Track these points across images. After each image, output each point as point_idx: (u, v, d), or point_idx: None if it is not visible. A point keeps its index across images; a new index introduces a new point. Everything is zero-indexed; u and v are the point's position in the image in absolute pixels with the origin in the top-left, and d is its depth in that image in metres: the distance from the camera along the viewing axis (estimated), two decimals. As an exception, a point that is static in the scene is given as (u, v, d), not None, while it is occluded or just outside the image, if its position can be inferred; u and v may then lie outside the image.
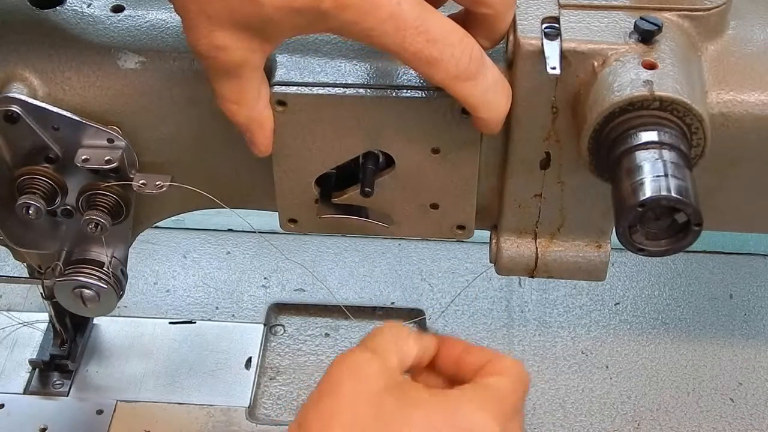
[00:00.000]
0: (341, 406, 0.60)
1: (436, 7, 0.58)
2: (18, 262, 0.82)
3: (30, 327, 0.97)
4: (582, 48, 0.60)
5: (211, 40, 0.57)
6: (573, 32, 0.60)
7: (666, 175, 0.54)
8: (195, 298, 1.02)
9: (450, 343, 0.66)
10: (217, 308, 1.01)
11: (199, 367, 0.95)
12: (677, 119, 0.57)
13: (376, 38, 0.56)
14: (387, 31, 0.55)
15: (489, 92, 0.59)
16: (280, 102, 0.63)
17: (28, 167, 0.69)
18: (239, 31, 0.57)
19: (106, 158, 0.68)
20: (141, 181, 0.69)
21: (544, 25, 0.61)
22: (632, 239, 0.57)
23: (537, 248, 0.70)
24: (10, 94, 0.66)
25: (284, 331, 0.99)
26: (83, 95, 0.68)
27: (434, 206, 0.68)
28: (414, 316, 0.99)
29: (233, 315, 1.01)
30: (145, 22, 0.69)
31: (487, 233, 0.72)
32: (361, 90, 0.63)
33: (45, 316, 0.94)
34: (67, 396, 0.92)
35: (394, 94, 0.63)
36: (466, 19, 0.60)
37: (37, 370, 0.94)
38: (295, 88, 0.63)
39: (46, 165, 0.69)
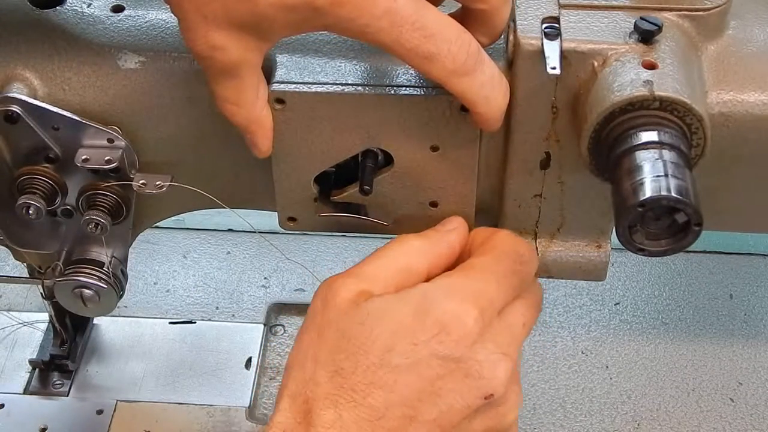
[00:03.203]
0: (311, 339, 0.61)
1: (435, 6, 0.58)
2: (18, 262, 0.82)
3: (30, 327, 0.97)
4: (582, 48, 0.60)
5: (207, 40, 0.57)
6: (573, 32, 0.60)
7: (666, 175, 0.54)
8: (195, 298, 1.02)
9: (472, 233, 0.67)
10: (217, 308, 1.01)
11: (199, 367, 0.95)
12: (677, 119, 0.57)
13: (371, 35, 0.56)
14: (383, 27, 0.55)
15: (486, 88, 0.59)
16: (278, 100, 0.63)
17: (28, 167, 0.69)
18: (235, 30, 0.57)
19: (106, 158, 0.68)
20: (141, 181, 0.69)
21: (544, 25, 0.61)
22: (632, 239, 0.57)
23: (537, 248, 0.70)
24: (10, 94, 0.66)
25: (284, 331, 0.99)
26: (83, 95, 0.68)
27: (433, 204, 0.68)
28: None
29: (233, 315, 1.01)
30: (145, 22, 0.69)
31: (487, 233, 0.72)
32: (359, 88, 0.63)
33: (45, 316, 0.94)
34: (67, 396, 0.92)
35: (393, 92, 0.63)
36: (463, 17, 0.60)
37: (37, 370, 0.94)
38: (294, 86, 0.63)
39: (46, 165, 0.69)
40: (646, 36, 0.59)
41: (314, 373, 0.59)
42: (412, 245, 0.64)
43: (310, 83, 0.63)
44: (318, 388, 0.59)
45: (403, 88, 0.63)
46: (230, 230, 1.09)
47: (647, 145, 0.56)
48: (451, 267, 0.65)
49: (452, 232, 0.66)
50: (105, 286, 0.75)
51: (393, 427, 0.58)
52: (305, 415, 0.58)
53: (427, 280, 0.63)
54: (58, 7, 0.69)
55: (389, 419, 0.58)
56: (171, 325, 0.99)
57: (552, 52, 0.59)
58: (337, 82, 0.63)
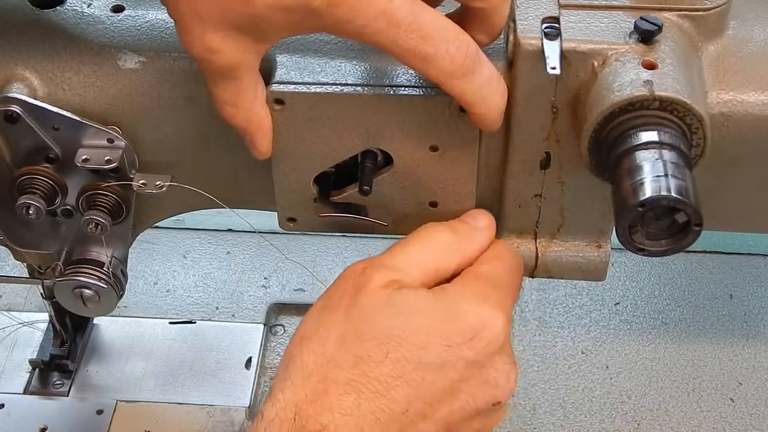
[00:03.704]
0: (336, 319, 0.61)
1: (434, 6, 0.58)
2: (18, 262, 0.82)
3: (30, 327, 0.97)
4: (582, 48, 0.60)
5: (204, 42, 0.57)
6: (573, 32, 0.60)
7: (666, 175, 0.54)
8: (195, 298, 1.02)
9: None
10: (217, 308, 1.01)
11: (199, 367, 0.95)
12: (677, 119, 0.57)
13: (369, 36, 0.56)
14: (380, 28, 0.55)
15: (484, 89, 0.59)
16: (278, 101, 0.63)
17: (28, 167, 0.69)
18: (232, 32, 0.57)
19: (106, 158, 0.68)
20: (141, 181, 0.69)
21: (544, 25, 0.61)
22: (632, 239, 0.57)
23: (537, 248, 0.70)
24: (10, 94, 0.66)
25: (284, 331, 0.99)
26: (83, 95, 0.68)
27: (433, 204, 0.68)
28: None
29: (233, 315, 1.01)
30: (145, 22, 0.69)
31: (487, 233, 0.72)
32: (359, 88, 0.63)
33: (45, 316, 0.94)
34: (67, 396, 0.93)
35: (392, 92, 0.63)
36: (462, 16, 0.60)
37: (37, 370, 0.94)
38: (293, 86, 0.63)
39: (46, 165, 0.69)
40: (646, 36, 0.59)
41: (337, 355, 0.59)
42: (444, 241, 0.64)
43: (309, 83, 0.63)
44: (340, 372, 0.59)
45: (403, 89, 0.63)
46: (230, 230, 1.09)
47: (647, 145, 0.56)
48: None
49: (483, 231, 0.66)
50: (105, 286, 0.75)
51: (407, 423, 0.59)
52: (320, 395, 0.58)
53: (455, 274, 0.64)
54: (58, 7, 0.69)
55: (407, 415, 0.59)
56: (171, 325, 0.99)
57: (552, 52, 0.59)
58: (337, 82, 0.63)
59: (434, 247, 0.64)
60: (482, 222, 0.67)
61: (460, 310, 0.61)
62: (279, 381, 0.60)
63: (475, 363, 0.60)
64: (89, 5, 0.70)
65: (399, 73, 0.64)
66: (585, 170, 0.61)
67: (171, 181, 0.69)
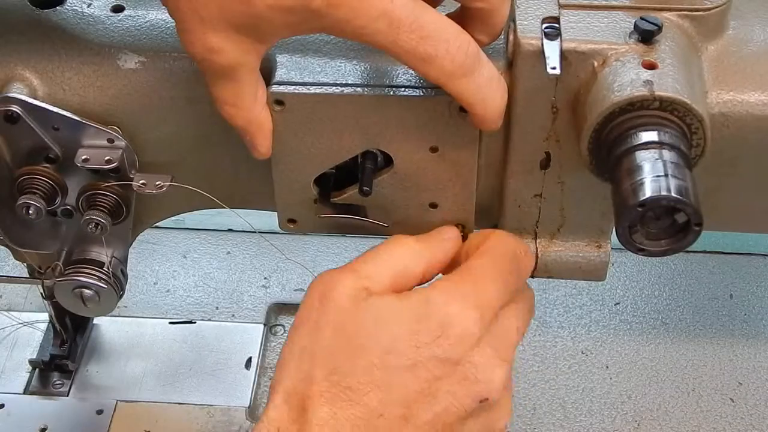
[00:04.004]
0: (306, 335, 0.61)
1: (434, 6, 0.58)
2: (18, 262, 0.82)
3: (30, 327, 0.97)
4: (582, 48, 0.60)
5: (204, 42, 0.57)
6: (573, 32, 0.60)
7: (666, 175, 0.54)
8: (195, 298, 1.02)
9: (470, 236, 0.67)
10: (217, 308, 1.01)
11: (199, 367, 0.95)
12: (677, 119, 0.57)
13: (369, 36, 0.56)
14: (379, 28, 0.55)
15: (484, 89, 0.59)
16: (278, 101, 0.63)
17: (28, 167, 0.69)
18: (233, 32, 0.57)
19: (106, 158, 0.68)
20: (141, 181, 0.69)
21: (544, 25, 0.61)
22: (632, 239, 0.57)
23: (537, 248, 0.70)
24: (10, 94, 0.66)
25: (284, 331, 0.99)
26: (83, 95, 0.68)
27: (433, 205, 0.68)
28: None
29: (233, 315, 1.01)
30: (145, 22, 0.69)
31: (487, 233, 0.72)
32: (359, 89, 0.63)
33: (45, 316, 0.94)
34: (67, 396, 0.93)
35: (392, 93, 0.63)
36: (462, 16, 0.60)
37: (37, 370, 0.94)
38: (293, 87, 0.63)
39: (46, 165, 0.69)
40: (646, 36, 0.59)
41: (311, 371, 0.59)
42: (411, 247, 0.64)
43: (309, 84, 0.63)
44: (314, 386, 0.59)
45: (403, 89, 0.63)
46: (230, 230, 1.09)
47: (647, 145, 0.56)
48: (444, 273, 0.65)
49: (449, 241, 0.66)
50: (105, 286, 0.75)
51: (388, 428, 0.58)
52: (300, 413, 0.58)
53: (421, 282, 0.64)
54: (58, 7, 0.69)
55: (385, 419, 0.58)
56: (171, 325, 0.99)
57: (552, 52, 0.59)
58: (337, 82, 0.63)
59: (400, 253, 0.64)
60: (448, 234, 0.67)
61: (427, 309, 0.60)
62: (267, 404, 0.61)
63: (448, 360, 0.59)
64: (89, 5, 0.70)
65: (399, 74, 0.64)
66: (585, 170, 0.61)
67: (171, 181, 0.69)
